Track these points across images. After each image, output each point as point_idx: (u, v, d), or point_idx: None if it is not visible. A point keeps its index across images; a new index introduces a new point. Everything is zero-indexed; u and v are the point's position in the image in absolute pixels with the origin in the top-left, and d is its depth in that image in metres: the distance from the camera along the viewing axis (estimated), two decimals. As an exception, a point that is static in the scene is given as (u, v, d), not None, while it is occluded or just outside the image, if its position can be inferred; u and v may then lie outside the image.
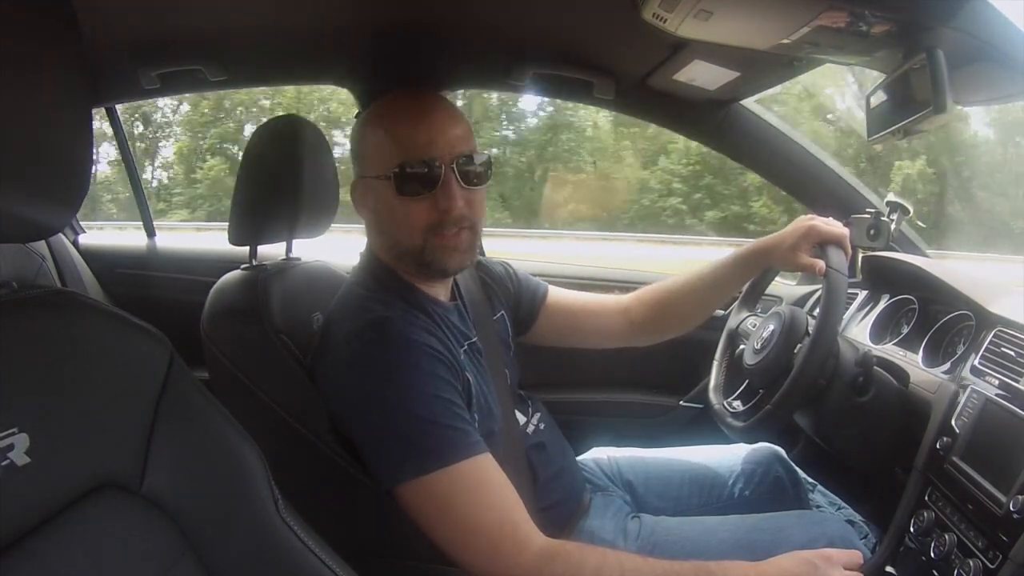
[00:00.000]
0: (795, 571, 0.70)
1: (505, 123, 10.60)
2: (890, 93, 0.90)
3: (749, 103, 1.27)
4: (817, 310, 0.90)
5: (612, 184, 10.47)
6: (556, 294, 1.08)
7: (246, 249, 0.93)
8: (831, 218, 0.97)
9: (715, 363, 1.12)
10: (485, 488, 0.72)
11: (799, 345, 0.92)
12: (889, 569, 0.83)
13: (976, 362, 0.84)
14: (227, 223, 0.90)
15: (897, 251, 1.19)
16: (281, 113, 0.95)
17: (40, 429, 0.43)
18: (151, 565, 0.48)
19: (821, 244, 0.93)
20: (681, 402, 1.48)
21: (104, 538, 0.46)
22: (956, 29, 0.74)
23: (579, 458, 1.07)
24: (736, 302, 1.16)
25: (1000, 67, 0.80)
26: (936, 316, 1.00)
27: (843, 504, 1.13)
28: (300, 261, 0.99)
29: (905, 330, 1.05)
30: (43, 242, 1.61)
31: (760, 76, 1.10)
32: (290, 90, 8.16)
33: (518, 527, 0.71)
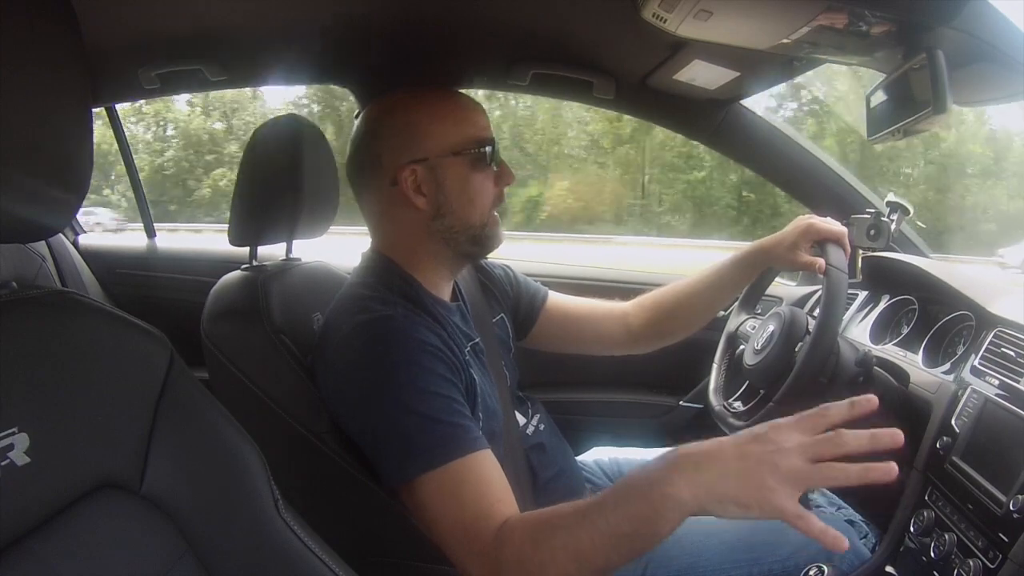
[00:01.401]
0: (734, 465, 0.55)
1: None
2: (890, 93, 0.90)
3: (749, 103, 1.27)
4: (817, 310, 0.90)
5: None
6: (555, 299, 1.08)
7: (246, 249, 0.93)
8: (829, 217, 0.97)
9: (715, 364, 1.12)
10: (482, 483, 0.71)
11: (799, 344, 0.92)
12: (889, 569, 0.83)
13: (976, 362, 0.84)
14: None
15: (897, 251, 1.19)
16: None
17: (40, 429, 0.43)
18: (151, 565, 0.48)
19: (820, 242, 0.93)
20: (681, 402, 1.48)
21: (104, 538, 0.46)
22: (956, 29, 0.74)
23: (579, 458, 1.07)
24: (736, 303, 1.16)
25: (1000, 67, 0.80)
26: (936, 316, 1.00)
27: (843, 504, 1.13)
28: (300, 261, 0.99)
29: (905, 330, 1.05)
30: (43, 242, 1.61)
31: (760, 76, 1.10)
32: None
33: (490, 523, 0.68)
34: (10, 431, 0.42)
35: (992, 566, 0.68)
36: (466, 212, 0.83)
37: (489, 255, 0.92)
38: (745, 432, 0.58)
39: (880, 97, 0.93)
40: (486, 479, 0.71)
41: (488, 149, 0.82)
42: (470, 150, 0.82)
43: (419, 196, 0.82)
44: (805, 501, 1.08)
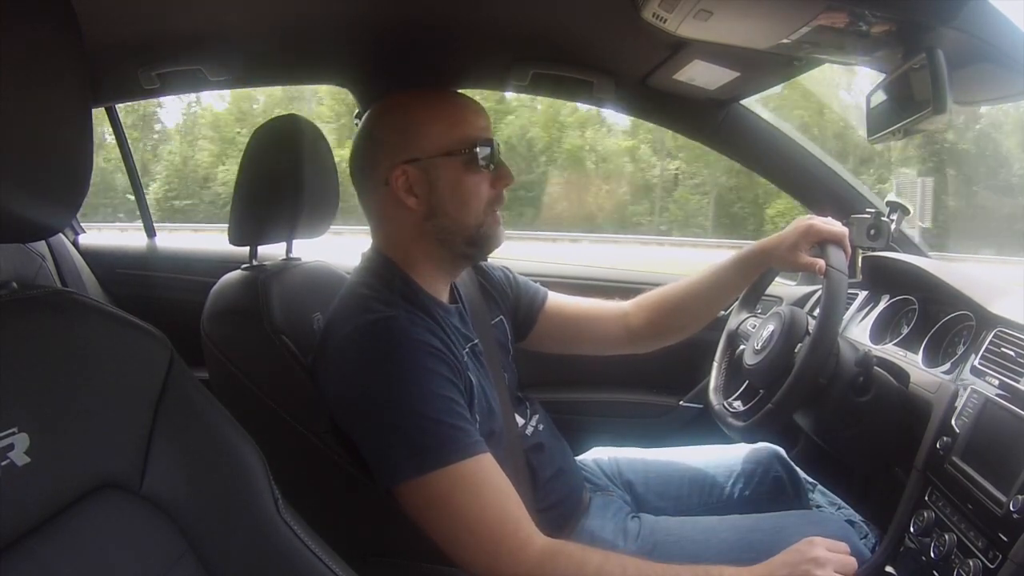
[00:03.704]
0: None
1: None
2: (890, 93, 0.90)
3: (749, 103, 1.27)
4: (817, 310, 0.90)
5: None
6: (555, 300, 1.07)
7: (246, 249, 0.93)
8: (830, 218, 0.97)
9: (715, 364, 1.12)
10: (486, 487, 0.72)
11: (799, 345, 0.92)
12: (889, 569, 0.83)
13: (976, 362, 0.84)
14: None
15: (897, 251, 1.19)
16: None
17: (40, 429, 0.43)
18: (151, 565, 0.48)
19: (821, 243, 0.93)
20: (681, 402, 1.47)
21: (104, 538, 0.46)
22: (956, 29, 0.74)
23: (579, 458, 1.07)
24: (736, 303, 1.16)
25: (1000, 67, 0.80)
26: (936, 316, 1.00)
27: (843, 504, 1.13)
28: (300, 261, 0.99)
29: (905, 330, 1.05)
30: (43, 242, 1.61)
31: (760, 76, 1.10)
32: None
33: (519, 525, 0.72)
34: (10, 431, 0.42)
35: (992, 566, 0.68)
36: (459, 213, 0.83)
37: (489, 256, 0.92)
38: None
39: (880, 97, 0.93)
40: (499, 482, 0.73)
41: (484, 150, 0.82)
42: (464, 151, 0.81)
43: (411, 197, 0.82)
44: (807, 504, 1.09)
